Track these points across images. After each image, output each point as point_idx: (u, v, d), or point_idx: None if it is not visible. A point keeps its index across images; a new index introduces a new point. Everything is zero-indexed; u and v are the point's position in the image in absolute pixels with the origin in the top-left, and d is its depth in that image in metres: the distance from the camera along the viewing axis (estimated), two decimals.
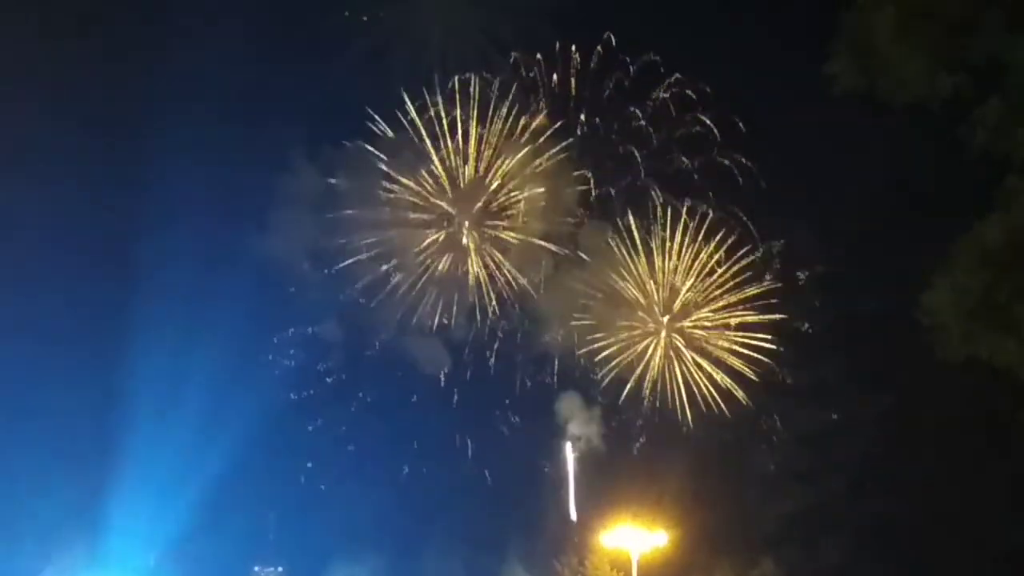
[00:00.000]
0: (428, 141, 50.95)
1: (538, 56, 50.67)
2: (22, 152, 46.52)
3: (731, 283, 50.09)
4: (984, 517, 42.38)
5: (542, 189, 50.99)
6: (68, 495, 45.43)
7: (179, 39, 48.09)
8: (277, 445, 49.62)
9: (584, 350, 50.62)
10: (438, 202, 51.52)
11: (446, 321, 51.29)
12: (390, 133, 50.58)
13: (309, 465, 51.02)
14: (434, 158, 51.23)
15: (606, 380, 50.64)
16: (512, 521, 49.90)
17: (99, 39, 48.40)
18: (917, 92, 20.59)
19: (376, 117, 50.33)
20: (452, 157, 51.27)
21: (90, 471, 45.72)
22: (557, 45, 50.51)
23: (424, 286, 51.30)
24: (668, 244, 50.57)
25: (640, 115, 50.66)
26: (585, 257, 51.26)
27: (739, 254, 49.88)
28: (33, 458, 45.57)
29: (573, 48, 50.45)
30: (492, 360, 51.33)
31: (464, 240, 51.74)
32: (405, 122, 50.55)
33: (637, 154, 50.82)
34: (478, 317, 51.36)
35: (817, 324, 48.68)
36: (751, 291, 49.95)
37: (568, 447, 51.22)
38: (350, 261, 50.75)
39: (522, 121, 50.74)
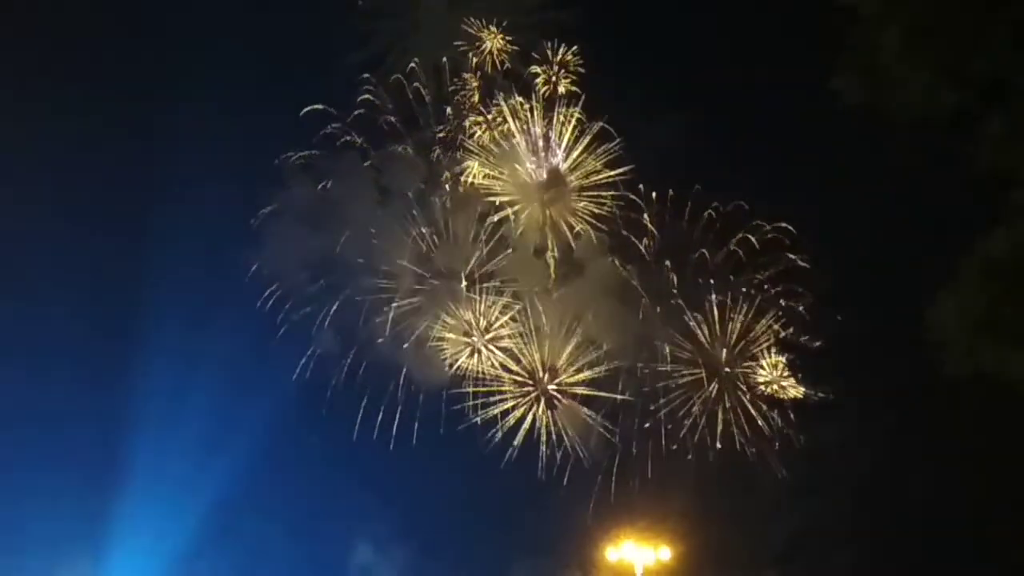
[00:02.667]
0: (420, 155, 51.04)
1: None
2: (26, 165, 46.79)
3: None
4: (992, 533, 42.26)
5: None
6: (72, 512, 45.33)
7: (173, 48, 48.41)
8: (283, 461, 49.49)
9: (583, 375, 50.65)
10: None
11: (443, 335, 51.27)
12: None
13: (313, 481, 50.81)
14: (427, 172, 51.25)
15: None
16: (514, 537, 49.83)
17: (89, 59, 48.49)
18: (922, 108, 20.70)
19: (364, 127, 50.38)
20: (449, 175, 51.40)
21: (95, 488, 45.68)
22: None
23: (422, 300, 51.31)
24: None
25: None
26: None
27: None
28: (37, 475, 45.53)
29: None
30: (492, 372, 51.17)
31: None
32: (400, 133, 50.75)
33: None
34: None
35: (822, 339, 48.60)
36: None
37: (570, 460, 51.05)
38: (348, 274, 50.73)
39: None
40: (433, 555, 49.55)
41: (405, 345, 50.50)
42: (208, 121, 47.68)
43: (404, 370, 50.16)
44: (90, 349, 48.08)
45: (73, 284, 48.01)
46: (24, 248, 47.46)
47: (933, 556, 43.00)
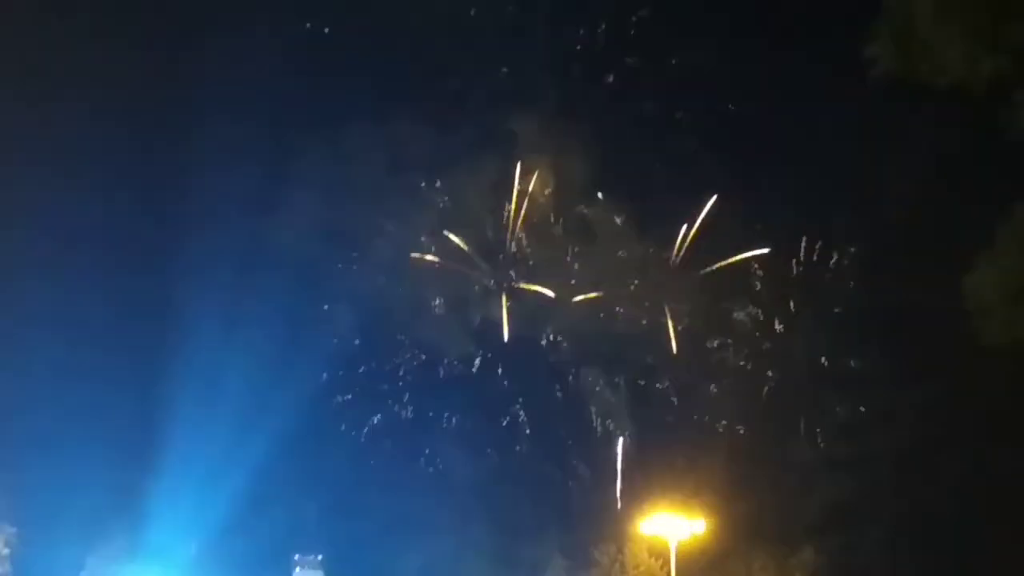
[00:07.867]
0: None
1: None
2: (63, 154, 47.24)
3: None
4: None
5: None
6: (110, 486, 45.70)
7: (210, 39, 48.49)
8: (316, 435, 49.82)
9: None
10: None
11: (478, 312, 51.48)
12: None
13: (348, 455, 51.17)
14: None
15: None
16: (550, 510, 49.97)
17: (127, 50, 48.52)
18: (958, 75, 20.40)
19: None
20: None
21: (131, 462, 46.07)
22: None
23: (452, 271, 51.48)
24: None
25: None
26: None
27: None
28: (75, 450, 45.86)
29: None
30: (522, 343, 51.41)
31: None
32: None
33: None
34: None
35: (858, 311, 48.28)
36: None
37: (619, 437, 51.21)
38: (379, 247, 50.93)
39: None
40: (466, 529, 49.72)
41: None
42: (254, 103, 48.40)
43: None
44: (126, 330, 48.72)
45: (110, 265, 48.57)
46: (64, 231, 48.16)
47: (968, 530, 42.63)
